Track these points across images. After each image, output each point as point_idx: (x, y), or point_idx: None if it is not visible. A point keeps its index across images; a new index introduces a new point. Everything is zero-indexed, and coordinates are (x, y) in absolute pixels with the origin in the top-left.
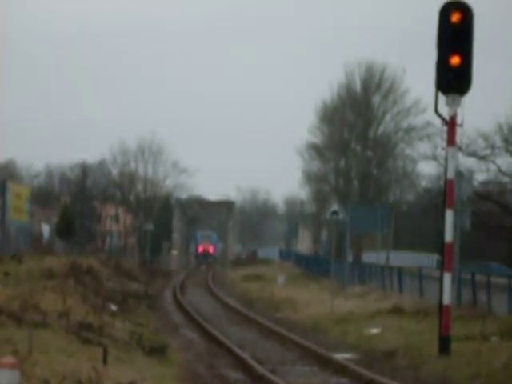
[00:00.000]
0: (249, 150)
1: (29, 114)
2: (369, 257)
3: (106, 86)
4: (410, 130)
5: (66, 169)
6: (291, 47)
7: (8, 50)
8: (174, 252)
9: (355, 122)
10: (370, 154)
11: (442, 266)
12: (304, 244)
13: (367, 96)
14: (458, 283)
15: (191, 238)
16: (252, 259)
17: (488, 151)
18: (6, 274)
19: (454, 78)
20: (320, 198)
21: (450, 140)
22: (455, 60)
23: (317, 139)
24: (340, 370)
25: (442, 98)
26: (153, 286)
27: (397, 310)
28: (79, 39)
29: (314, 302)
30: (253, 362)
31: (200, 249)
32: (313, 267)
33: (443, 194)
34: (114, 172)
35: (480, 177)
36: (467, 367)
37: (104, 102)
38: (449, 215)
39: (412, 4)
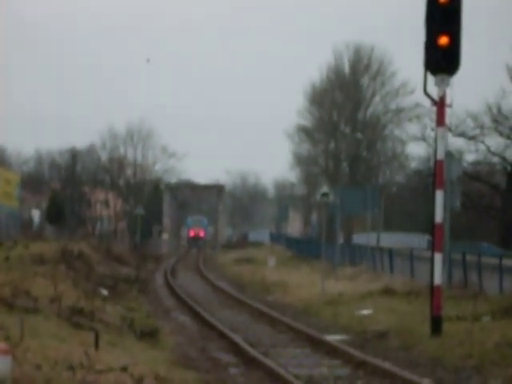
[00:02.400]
0: (238, 134)
1: (18, 100)
2: (359, 238)
3: (94, 72)
4: (398, 111)
5: (55, 154)
6: (279, 31)
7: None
8: (165, 236)
9: (344, 104)
10: (359, 135)
11: (432, 247)
12: (294, 226)
13: (356, 78)
14: (448, 264)
15: (182, 221)
16: (243, 242)
17: (477, 131)
18: (7, 259)
19: (442, 58)
20: (310, 181)
21: (439, 120)
22: (444, 40)
23: (306, 122)
24: (332, 351)
25: (430, 78)
26: (144, 270)
27: (388, 291)
28: (67, 29)
29: (305, 284)
30: (245, 345)
31: (191, 233)
32: (303, 249)
33: (433, 174)
34: (104, 157)
35: (469, 157)
36: (459, 347)
37: (93, 87)
38: (439, 196)
39: None
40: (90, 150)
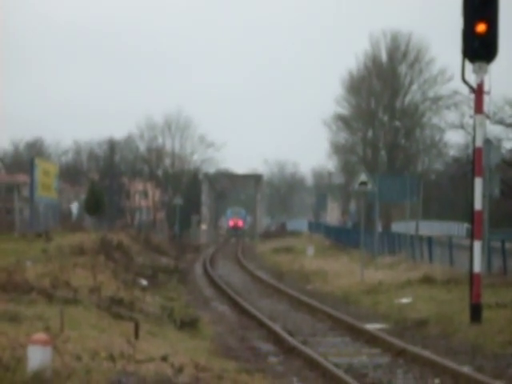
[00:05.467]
0: (275, 123)
1: (56, 91)
2: (398, 227)
3: (131, 62)
4: (437, 98)
5: (93, 145)
6: (316, 19)
7: (33, 27)
8: (203, 226)
9: (382, 92)
10: (397, 123)
11: (471, 235)
12: (333, 215)
13: (393, 65)
14: (487, 251)
15: (220, 211)
16: (281, 232)
17: None
18: (44, 251)
19: (480, 46)
20: (348, 169)
21: (478, 108)
22: (481, 27)
23: (344, 110)
24: (371, 339)
25: (468, 65)
26: (183, 260)
27: (427, 280)
28: (105, 20)
29: (344, 273)
30: (284, 334)
31: (231, 223)
32: (342, 238)
33: (471, 162)
34: (142, 147)
35: (508, 144)
36: (499, 335)
37: (130, 77)
38: (477, 183)
39: None
40: (128, 140)
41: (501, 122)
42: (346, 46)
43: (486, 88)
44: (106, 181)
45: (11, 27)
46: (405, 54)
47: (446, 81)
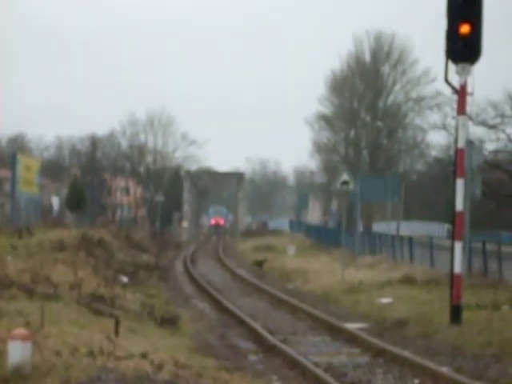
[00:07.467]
0: (258, 122)
1: (38, 86)
2: (379, 227)
3: (114, 58)
4: (419, 99)
5: (75, 141)
6: (301, 18)
7: (20, 23)
8: (185, 224)
9: (365, 92)
10: (379, 124)
11: (452, 236)
12: (314, 215)
13: (376, 66)
14: (468, 252)
15: (201, 209)
16: (262, 230)
17: (498, 120)
18: (14, 248)
19: (463, 47)
20: (330, 169)
21: (460, 109)
22: (465, 29)
23: (326, 109)
24: (351, 339)
25: (452, 66)
26: (164, 258)
27: (408, 280)
28: (89, 18)
29: (325, 272)
30: (264, 333)
31: (212, 221)
32: (323, 238)
33: (453, 163)
34: (124, 144)
35: (490, 146)
36: (479, 336)
37: (113, 74)
38: (459, 184)
39: None
40: (111, 136)
41: (483, 124)
42: (330, 45)
43: (469, 89)
44: (88, 177)
45: None
46: (388, 55)
47: (429, 82)
